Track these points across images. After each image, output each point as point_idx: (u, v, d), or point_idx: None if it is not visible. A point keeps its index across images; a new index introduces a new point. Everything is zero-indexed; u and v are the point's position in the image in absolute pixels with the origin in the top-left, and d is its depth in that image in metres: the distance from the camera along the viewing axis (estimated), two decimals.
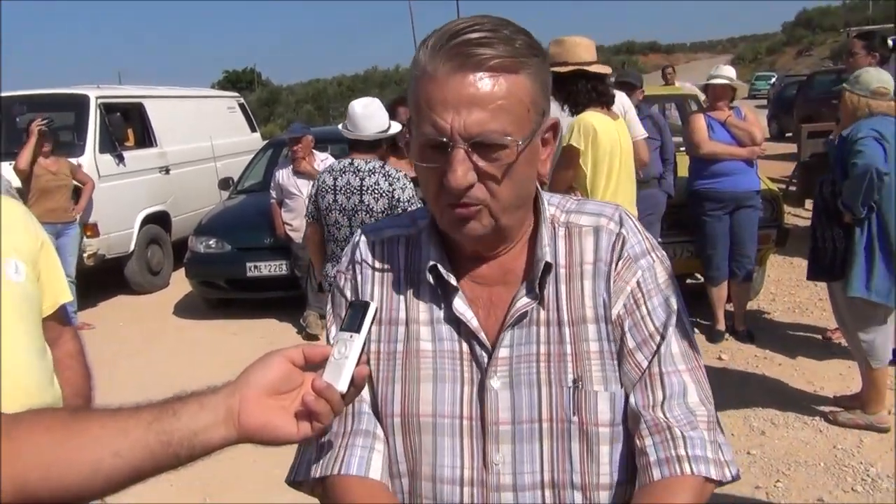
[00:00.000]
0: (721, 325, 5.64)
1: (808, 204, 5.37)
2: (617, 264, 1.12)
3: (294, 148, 6.73)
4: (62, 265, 1.84)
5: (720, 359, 5.26)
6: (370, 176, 3.78)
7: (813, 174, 5.76)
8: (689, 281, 6.45)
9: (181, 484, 3.96)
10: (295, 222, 6.69)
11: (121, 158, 8.48)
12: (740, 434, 4.14)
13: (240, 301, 7.52)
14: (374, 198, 3.75)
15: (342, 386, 0.96)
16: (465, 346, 1.12)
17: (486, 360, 1.10)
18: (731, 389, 4.63)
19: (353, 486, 1.11)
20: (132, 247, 8.40)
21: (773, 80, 35.36)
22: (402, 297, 1.17)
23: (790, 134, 16.88)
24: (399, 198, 3.72)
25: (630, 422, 1.10)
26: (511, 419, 1.09)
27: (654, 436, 1.07)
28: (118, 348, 6.42)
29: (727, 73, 5.53)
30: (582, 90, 3.78)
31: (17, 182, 6.60)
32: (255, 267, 7.09)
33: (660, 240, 5.52)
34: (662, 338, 1.10)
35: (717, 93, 5.46)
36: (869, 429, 4.05)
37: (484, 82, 0.99)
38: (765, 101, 28.58)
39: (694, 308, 5.94)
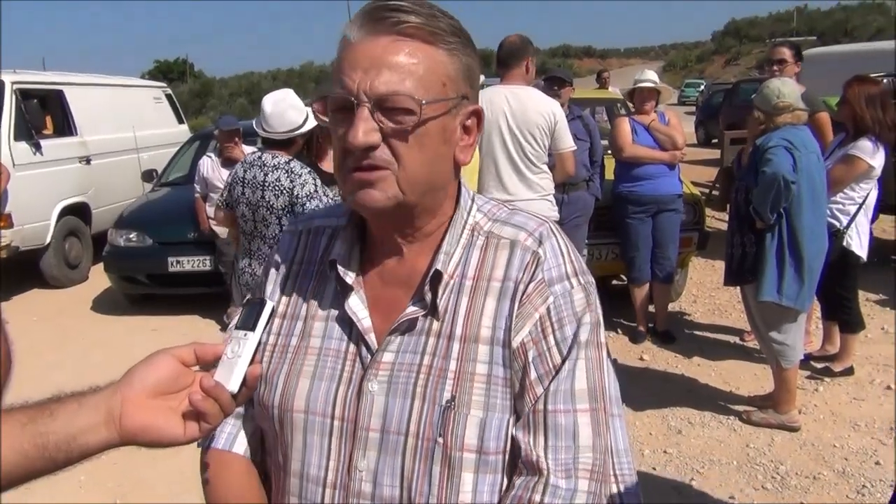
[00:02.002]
0: (643, 327, 5.74)
1: None
2: (528, 286, 1.03)
3: (236, 140, 6.51)
4: None
5: (642, 359, 5.36)
6: (273, 172, 3.69)
7: (734, 179, 5.91)
8: (613, 282, 6.56)
9: (92, 485, 3.84)
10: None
11: (38, 147, 8.18)
12: (658, 433, 4.22)
13: (161, 297, 7.31)
14: (274, 194, 3.66)
15: (233, 385, 0.91)
16: (352, 347, 1.09)
17: (368, 361, 1.07)
18: (651, 389, 4.73)
19: (213, 457, 1.16)
20: (48, 239, 8.12)
21: (702, 87, 36.35)
22: (307, 292, 1.15)
23: (716, 140, 17.39)
24: (298, 194, 3.61)
25: (518, 454, 1.05)
26: (381, 427, 1.04)
27: (526, 474, 1.02)
28: (31, 345, 6.16)
29: (651, 76, 5.68)
30: None
31: None
32: (178, 262, 6.90)
33: (587, 242, 5.62)
34: (564, 372, 1.02)
35: (644, 96, 5.57)
36: (780, 428, 4.17)
37: (396, 45, 0.97)
38: (694, 108, 29.33)
39: (617, 309, 6.04)
